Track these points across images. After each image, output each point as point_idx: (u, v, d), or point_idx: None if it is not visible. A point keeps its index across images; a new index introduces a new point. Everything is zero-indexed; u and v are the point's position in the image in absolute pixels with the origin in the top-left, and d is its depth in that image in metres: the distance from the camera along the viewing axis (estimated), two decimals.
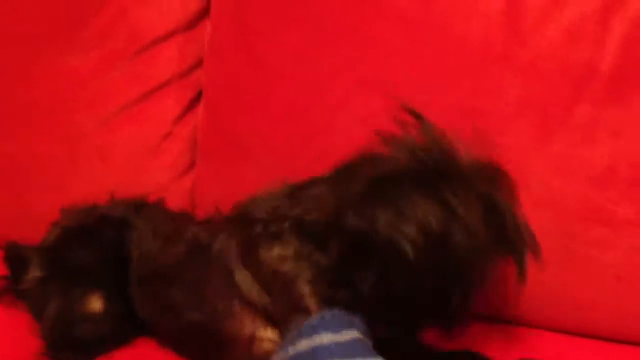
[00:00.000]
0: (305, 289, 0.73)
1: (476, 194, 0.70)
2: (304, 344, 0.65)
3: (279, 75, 1.03)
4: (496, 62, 0.88)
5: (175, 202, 1.10)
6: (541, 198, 0.88)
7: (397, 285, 0.68)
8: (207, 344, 0.81)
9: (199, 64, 1.16)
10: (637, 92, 0.84)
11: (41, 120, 1.14)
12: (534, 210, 0.87)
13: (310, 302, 0.71)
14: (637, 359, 0.87)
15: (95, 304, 0.88)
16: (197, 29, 1.15)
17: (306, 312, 0.70)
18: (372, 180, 0.71)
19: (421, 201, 0.68)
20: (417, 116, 0.74)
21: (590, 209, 0.86)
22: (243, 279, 0.77)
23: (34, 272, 0.91)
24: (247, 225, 0.79)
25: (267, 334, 0.76)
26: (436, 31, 0.90)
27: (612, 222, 0.85)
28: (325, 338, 0.65)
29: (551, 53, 0.86)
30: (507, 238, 0.72)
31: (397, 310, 0.70)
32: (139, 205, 0.97)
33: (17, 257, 0.97)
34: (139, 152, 1.14)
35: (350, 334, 0.67)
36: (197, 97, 1.17)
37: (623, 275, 0.87)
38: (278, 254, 0.75)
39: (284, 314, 0.73)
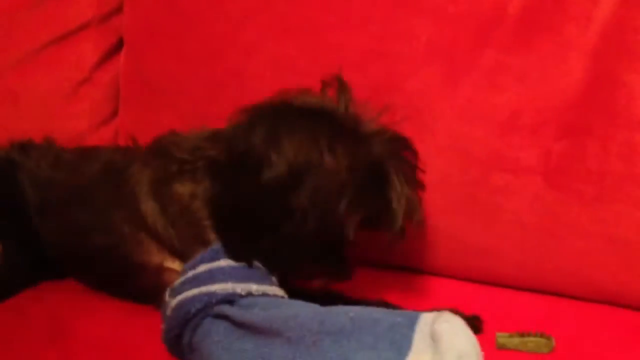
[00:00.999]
0: (207, 223, 0.75)
1: (363, 154, 0.70)
2: (203, 267, 0.68)
3: (194, 20, 1.01)
4: (406, 5, 0.87)
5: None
6: (446, 144, 0.87)
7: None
8: (114, 271, 0.81)
9: (119, 9, 1.12)
10: (543, 37, 0.83)
11: None
12: (438, 156, 0.88)
13: (212, 236, 0.74)
14: (540, 306, 0.87)
15: None
16: None
17: (208, 244, 0.72)
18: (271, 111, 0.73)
19: (299, 135, 0.67)
20: (341, 82, 0.74)
21: (494, 155, 0.86)
22: (150, 210, 0.78)
23: None
24: (164, 159, 0.79)
25: (175, 266, 0.77)
26: None
27: (515, 168, 0.85)
28: (224, 262, 0.68)
29: None
30: (387, 206, 0.71)
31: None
32: (24, 146, 0.93)
33: None
34: (54, 98, 1.11)
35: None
36: (119, 44, 1.13)
37: (527, 223, 0.87)
38: (190, 191, 0.76)
39: (188, 247, 0.75)
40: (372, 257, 0.92)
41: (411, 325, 0.60)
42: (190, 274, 0.69)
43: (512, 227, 0.87)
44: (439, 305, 0.76)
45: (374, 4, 0.88)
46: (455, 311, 0.73)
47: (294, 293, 0.70)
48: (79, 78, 1.11)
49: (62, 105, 1.11)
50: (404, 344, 0.58)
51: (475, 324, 0.75)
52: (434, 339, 0.58)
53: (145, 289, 0.78)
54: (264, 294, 0.67)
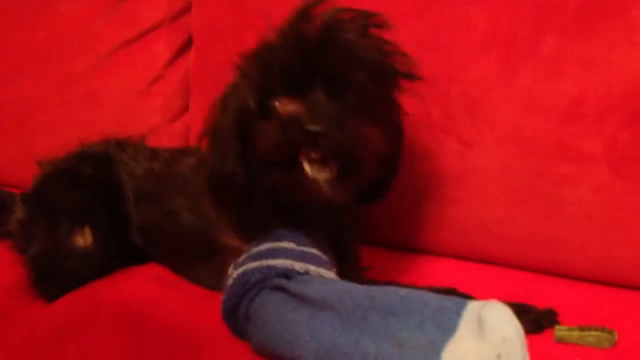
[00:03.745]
0: None
1: None
2: (266, 246, 0.72)
3: (255, 15, 1.03)
4: None
5: (168, 143, 1.13)
6: (506, 134, 0.86)
7: None
8: (201, 250, 0.87)
9: (188, 8, 1.17)
10: (608, 22, 0.79)
11: (34, 66, 1.18)
12: (498, 146, 0.86)
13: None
14: (605, 298, 0.85)
15: (82, 239, 0.91)
16: None
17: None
18: None
19: None
20: None
21: (556, 144, 0.83)
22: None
23: (18, 214, 0.96)
24: None
25: None
26: None
27: (579, 158, 0.83)
28: (287, 244, 0.72)
29: None
30: None
31: None
32: (120, 143, 1.01)
33: None
34: (130, 95, 1.17)
35: (310, 249, 0.72)
36: (189, 41, 1.18)
37: (592, 213, 0.84)
38: None
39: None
40: (432, 245, 0.93)
41: (458, 310, 0.60)
42: (254, 250, 0.72)
43: (576, 217, 0.85)
44: (505, 295, 0.76)
45: None
46: (528, 305, 0.74)
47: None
48: (153, 76, 1.17)
49: (137, 102, 1.17)
50: (449, 326, 0.59)
51: (551, 317, 0.74)
52: (479, 325, 0.58)
53: (226, 267, 0.80)
54: (320, 276, 0.70)
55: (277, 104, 0.69)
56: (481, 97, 0.86)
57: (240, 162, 0.73)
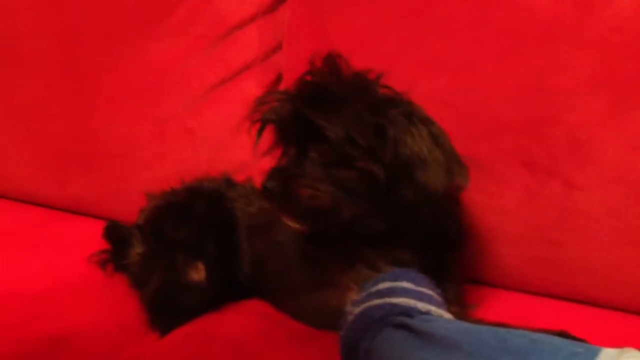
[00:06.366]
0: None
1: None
2: (385, 285, 0.73)
3: (349, 57, 1.05)
4: (565, 37, 0.85)
5: (258, 178, 1.16)
6: (613, 176, 0.85)
7: None
8: (304, 281, 0.88)
9: (279, 47, 1.20)
10: None
11: (132, 104, 1.23)
12: (604, 189, 0.85)
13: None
14: None
15: (196, 273, 0.95)
16: (277, 12, 1.19)
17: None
18: None
19: None
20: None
21: None
22: None
23: (137, 248, 1.01)
24: None
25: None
26: (501, 6, 0.89)
27: None
28: (406, 284, 0.73)
29: (624, 25, 0.82)
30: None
31: None
32: (230, 181, 1.07)
33: (118, 235, 1.08)
34: (223, 132, 1.21)
35: (428, 291, 0.74)
36: (278, 79, 1.21)
37: None
38: None
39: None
40: (535, 285, 0.92)
41: (591, 357, 0.59)
42: (373, 289, 0.73)
43: None
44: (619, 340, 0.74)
45: (529, 37, 0.88)
46: None
47: None
48: (244, 113, 1.20)
49: (229, 139, 1.20)
50: None
51: None
52: None
53: (330, 305, 0.82)
54: (441, 316, 0.70)
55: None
56: (587, 138, 0.85)
57: None
